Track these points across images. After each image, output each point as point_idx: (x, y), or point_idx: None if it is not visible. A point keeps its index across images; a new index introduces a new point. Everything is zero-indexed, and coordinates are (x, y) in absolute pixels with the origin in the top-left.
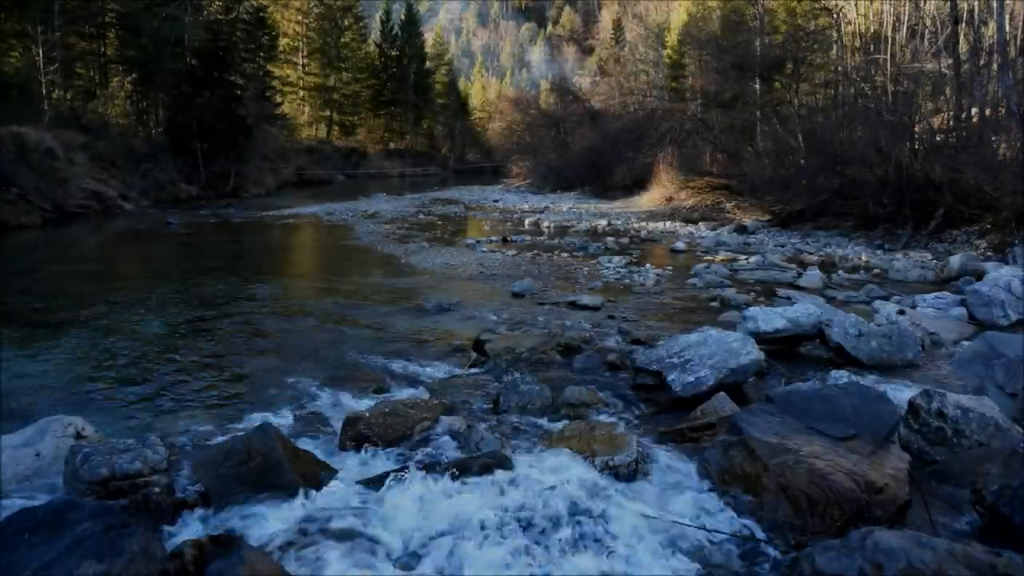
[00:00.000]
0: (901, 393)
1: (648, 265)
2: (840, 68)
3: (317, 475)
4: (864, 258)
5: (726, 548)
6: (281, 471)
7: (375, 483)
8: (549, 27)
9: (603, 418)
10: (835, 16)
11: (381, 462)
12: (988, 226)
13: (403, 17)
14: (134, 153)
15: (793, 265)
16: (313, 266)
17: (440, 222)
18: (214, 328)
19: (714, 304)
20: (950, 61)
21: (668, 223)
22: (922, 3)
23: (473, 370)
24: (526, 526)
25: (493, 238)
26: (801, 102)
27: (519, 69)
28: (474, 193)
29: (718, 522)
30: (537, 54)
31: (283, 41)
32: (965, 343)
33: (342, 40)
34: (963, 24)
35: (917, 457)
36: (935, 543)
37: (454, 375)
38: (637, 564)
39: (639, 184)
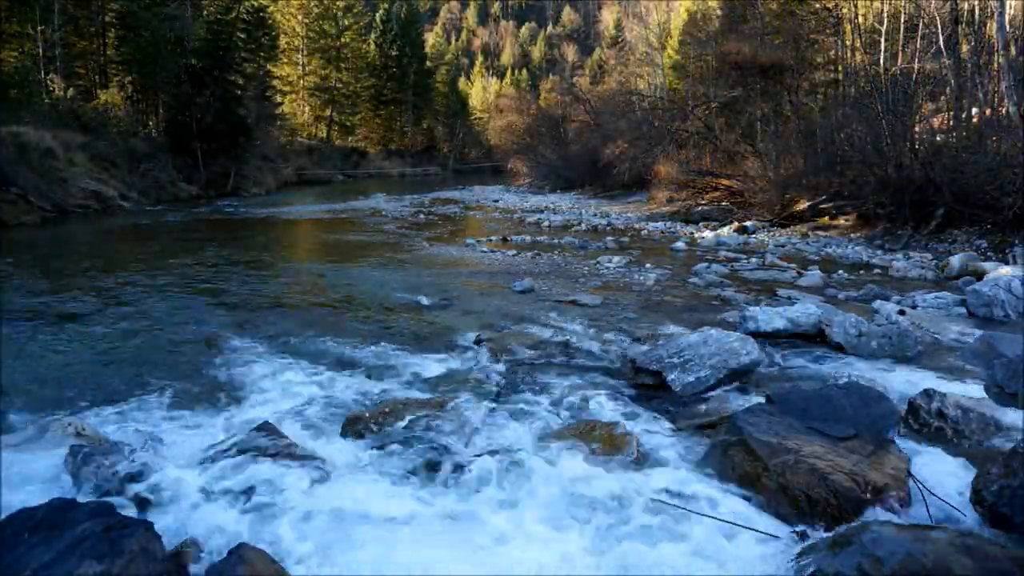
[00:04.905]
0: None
1: (648, 264)
2: (840, 68)
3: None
4: (864, 258)
5: (727, 545)
6: None
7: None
8: (549, 27)
9: (603, 417)
10: (835, 16)
11: (381, 461)
12: (988, 226)
13: (403, 16)
14: (134, 153)
15: (793, 265)
16: (312, 263)
17: (440, 222)
18: (212, 321)
19: (714, 303)
20: (950, 61)
21: (668, 223)
22: (923, 3)
23: (473, 367)
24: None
25: (493, 237)
26: (801, 102)
27: (519, 69)
28: (474, 193)
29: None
30: (537, 54)
31: (283, 40)
32: (965, 343)
33: (342, 40)
34: (963, 24)
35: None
36: (935, 535)
37: (454, 372)
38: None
39: (639, 184)
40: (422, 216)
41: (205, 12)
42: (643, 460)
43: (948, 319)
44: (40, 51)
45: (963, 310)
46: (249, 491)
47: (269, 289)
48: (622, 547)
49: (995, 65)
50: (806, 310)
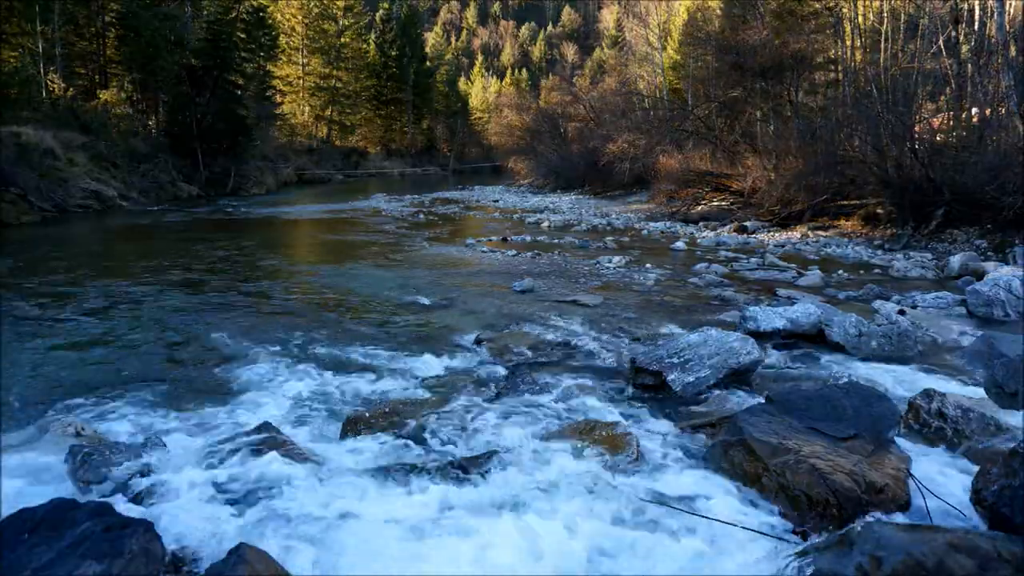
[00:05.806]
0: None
1: (648, 264)
2: (840, 68)
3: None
4: (864, 258)
5: (727, 545)
6: None
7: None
8: (549, 26)
9: (603, 417)
10: (835, 16)
11: (381, 461)
12: (988, 226)
13: (403, 16)
14: (134, 153)
15: (793, 265)
16: (313, 263)
17: (440, 222)
18: (212, 321)
19: (714, 303)
20: (950, 61)
21: (668, 223)
22: (923, 3)
23: (473, 367)
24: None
25: (493, 237)
26: (801, 102)
27: (519, 68)
28: (474, 193)
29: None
30: (537, 54)
31: (283, 40)
32: (965, 343)
33: (342, 39)
34: (963, 24)
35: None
36: (935, 535)
37: (454, 371)
38: (637, 547)
39: (639, 184)
40: (422, 216)
41: (205, 12)
42: (643, 460)
43: (948, 319)
44: (40, 51)
45: (963, 310)
46: (249, 491)
47: (269, 289)
48: (622, 547)
49: (995, 65)
50: (806, 310)
